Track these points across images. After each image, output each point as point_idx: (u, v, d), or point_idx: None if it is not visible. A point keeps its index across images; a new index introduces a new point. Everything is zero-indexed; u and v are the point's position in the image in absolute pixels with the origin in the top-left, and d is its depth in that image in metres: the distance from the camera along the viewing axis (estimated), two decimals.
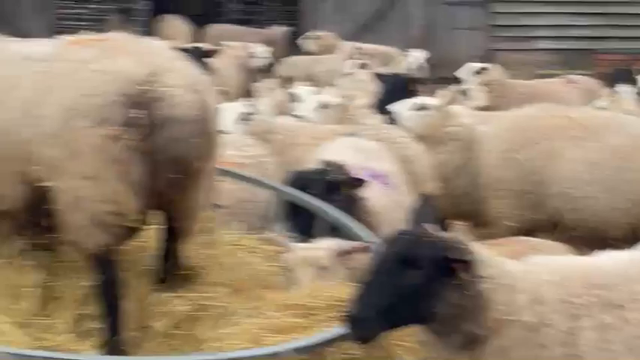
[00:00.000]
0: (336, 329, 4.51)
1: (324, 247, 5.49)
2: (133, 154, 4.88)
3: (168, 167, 4.95)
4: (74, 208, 4.95)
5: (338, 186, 6.27)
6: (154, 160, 4.92)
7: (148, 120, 4.88)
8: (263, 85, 14.05)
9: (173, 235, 5.35)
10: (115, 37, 5.40)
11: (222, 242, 5.79)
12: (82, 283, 5.17)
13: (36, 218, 5.23)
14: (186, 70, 5.18)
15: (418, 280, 4.04)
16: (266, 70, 16.49)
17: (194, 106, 4.97)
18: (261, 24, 22.58)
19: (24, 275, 5.20)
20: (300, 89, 11.44)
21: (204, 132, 5.08)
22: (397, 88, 11.56)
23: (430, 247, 4.08)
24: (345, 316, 4.09)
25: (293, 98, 11.02)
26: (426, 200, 7.51)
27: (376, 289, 4.05)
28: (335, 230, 5.91)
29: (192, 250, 5.51)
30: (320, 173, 6.41)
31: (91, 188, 4.89)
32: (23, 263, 5.26)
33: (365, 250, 5.33)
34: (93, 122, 4.86)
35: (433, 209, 7.57)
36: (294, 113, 10.22)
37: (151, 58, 5.11)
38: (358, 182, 6.36)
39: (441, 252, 4.05)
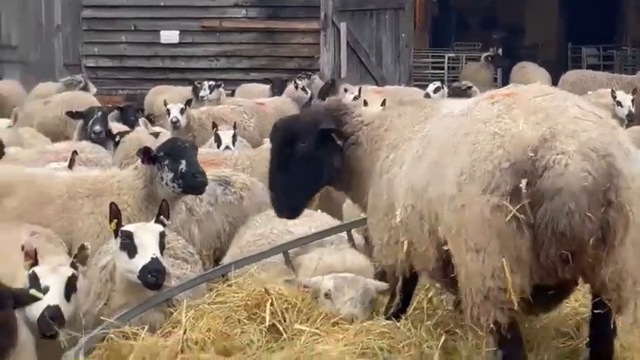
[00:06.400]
0: None
1: None
2: (517, 227, 4.57)
3: (555, 242, 4.52)
4: (465, 280, 4.79)
5: None
6: (539, 233, 4.55)
7: (536, 189, 4.54)
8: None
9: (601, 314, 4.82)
10: (525, 91, 5.06)
11: None
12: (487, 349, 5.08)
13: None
14: (590, 132, 4.65)
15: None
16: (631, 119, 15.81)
17: (592, 174, 4.50)
18: (619, 69, 21.89)
19: (434, 337, 5.28)
20: None
21: (605, 203, 4.55)
22: None
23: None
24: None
25: None
26: None
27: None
28: None
29: None
30: None
31: (476, 262, 4.68)
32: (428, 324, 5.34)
33: None
34: (482, 189, 4.63)
35: None
36: None
37: (553, 118, 4.69)
38: None
39: None
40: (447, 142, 4.98)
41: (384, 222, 5.49)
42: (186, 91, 16.95)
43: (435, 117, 5.45)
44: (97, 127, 11.32)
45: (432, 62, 24.65)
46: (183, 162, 7.29)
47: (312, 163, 5.69)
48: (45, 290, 5.14)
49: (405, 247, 5.26)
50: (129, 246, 5.96)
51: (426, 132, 5.35)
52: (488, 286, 4.66)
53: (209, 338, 5.62)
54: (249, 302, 6.03)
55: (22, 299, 4.81)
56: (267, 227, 7.17)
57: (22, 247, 5.71)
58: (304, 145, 5.70)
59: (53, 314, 5.30)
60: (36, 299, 4.93)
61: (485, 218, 4.61)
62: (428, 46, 26.14)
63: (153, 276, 5.84)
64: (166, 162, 7.32)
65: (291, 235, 6.88)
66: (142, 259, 5.89)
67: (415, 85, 19.42)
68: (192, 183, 7.30)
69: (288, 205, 5.98)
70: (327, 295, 5.95)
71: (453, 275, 4.91)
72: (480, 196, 4.64)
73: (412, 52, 23.15)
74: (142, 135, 11.14)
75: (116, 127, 11.96)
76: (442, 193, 4.86)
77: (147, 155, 7.39)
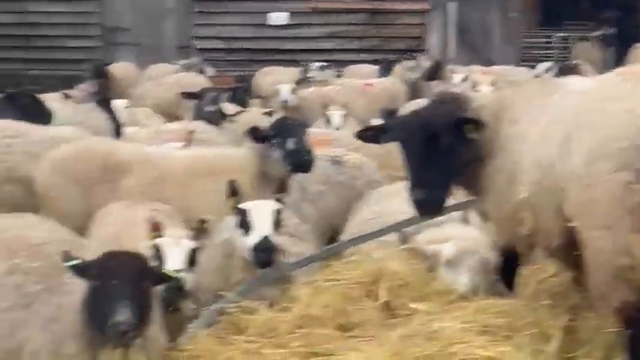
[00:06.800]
0: None
1: None
2: None
3: None
4: (593, 258, 4.73)
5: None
6: None
7: None
8: None
9: None
10: None
11: None
12: (609, 329, 5.00)
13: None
14: None
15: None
16: None
17: None
18: None
19: (554, 317, 5.22)
20: None
21: None
22: None
23: None
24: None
25: None
26: None
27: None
28: None
29: None
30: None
31: (605, 239, 4.62)
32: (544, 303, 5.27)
33: None
34: (614, 167, 4.59)
35: None
36: None
37: None
38: None
39: None
40: (575, 119, 4.93)
41: (505, 198, 5.44)
42: (294, 72, 17.08)
43: (556, 93, 5.37)
44: (211, 108, 11.51)
45: (542, 42, 24.21)
46: (291, 140, 7.36)
47: (452, 155, 5.58)
48: (179, 271, 5.27)
49: (528, 224, 5.22)
50: (244, 223, 6.08)
51: (550, 107, 5.27)
52: (618, 264, 4.61)
53: (327, 314, 5.69)
54: (364, 280, 6.07)
55: (161, 278, 4.95)
56: (384, 205, 7.19)
57: (148, 221, 5.87)
58: (442, 138, 5.57)
59: (177, 286, 5.44)
60: (172, 279, 5.06)
61: (617, 195, 4.58)
62: (537, 26, 25.66)
63: (263, 254, 5.94)
64: (275, 140, 7.41)
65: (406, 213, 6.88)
66: (254, 237, 6.00)
67: (524, 66, 19.11)
68: (300, 161, 7.37)
69: (434, 203, 5.68)
70: (448, 263, 5.95)
71: (576, 253, 4.86)
72: (611, 173, 4.60)
73: (521, 32, 22.81)
74: (255, 114, 11.31)
75: (227, 107, 12.14)
76: (570, 170, 4.82)
77: (256, 134, 7.49)
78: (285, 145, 7.36)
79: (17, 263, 5.09)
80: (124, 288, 4.57)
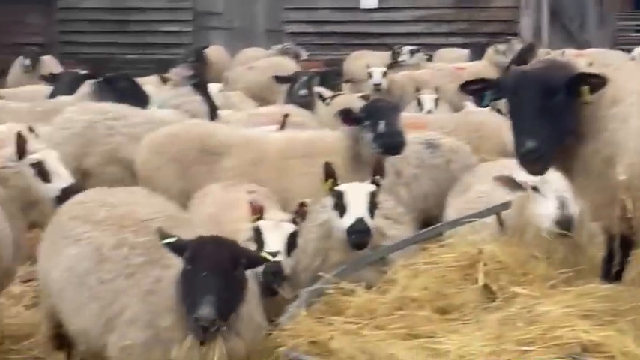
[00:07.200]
0: None
1: None
2: None
3: None
4: None
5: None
6: None
7: None
8: None
9: None
10: None
11: None
12: None
13: None
14: None
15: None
16: None
17: None
18: None
19: None
20: None
21: None
22: None
23: None
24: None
25: None
26: None
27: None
28: None
29: None
30: None
31: None
32: None
33: None
34: None
35: None
36: None
37: None
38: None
39: None
40: None
41: (602, 181, 5.36)
42: (385, 56, 17.04)
43: None
44: (304, 91, 11.56)
45: (638, 25, 23.67)
46: (382, 122, 7.35)
47: (564, 115, 5.43)
48: (274, 254, 5.32)
49: (628, 206, 5.13)
50: (340, 205, 6.11)
51: None
52: None
53: (426, 296, 5.70)
54: (462, 262, 6.06)
55: (255, 261, 5.00)
56: (486, 187, 7.15)
57: (250, 204, 5.94)
58: (559, 94, 5.41)
59: (275, 269, 5.51)
60: (267, 261, 5.11)
61: None
62: (633, 8, 25.12)
63: (357, 236, 5.97)
64: (367, 123, 7.41)
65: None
66: (348, 219, 6.03)
67: (619, 50, 18.72)
68: (391, 143, 7.35)
69: (543, 155, 5.42)
70: (535, 189, 5.88)
71: None
72: None
73: (615, 14, 22.36)
74: (350, 97, 11.33)
75: (318, 91, 12.18)
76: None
77: (348, 116, 7.51)
78: (377, 128, 7.36)
79: (125, 237, 5.27)
80: (212, 281, 4.59)
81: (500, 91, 5.70)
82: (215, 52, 18.61)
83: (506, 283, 5.78)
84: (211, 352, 4.63)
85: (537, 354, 4.82)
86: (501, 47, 16.67)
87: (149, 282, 5.00)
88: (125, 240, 5.25)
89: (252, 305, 5.02)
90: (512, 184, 6.30)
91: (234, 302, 4.73)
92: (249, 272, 5.09)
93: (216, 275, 4.61)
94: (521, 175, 6.00)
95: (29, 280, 8.25)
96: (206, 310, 4.49)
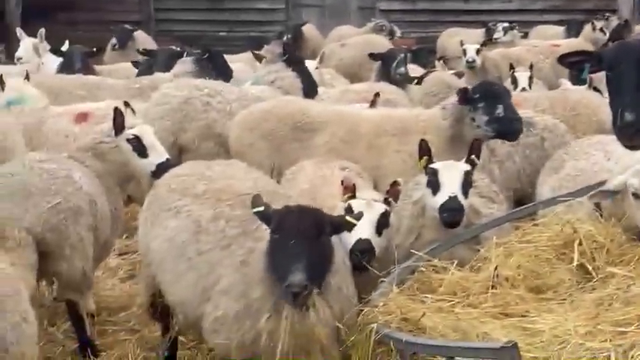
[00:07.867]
0: None
1: None
2: None
3: None
4: None
5: None
6: None
7: None
8: None
9: None
10: None
11: None
12: None
13: None
14: None
15: None
16: None
17: None
18: None
19: None
20: None
21: None
22: None
23: None
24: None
25: None
26: None
27: None
28: None
29: None
30: None
31: None
32: None
33: None
34: None
35: None
36: None
37: None
38: None
39: None
40: None
41: None
42: (479, 33, 16.84)
43: None
44: (402, 69, 11.49)
45: None
46: (501, 106, 7.29)
47: None
48: (358, 217, 5.31)
49: None
50: (433, 183, 6.08)
51: None
52: None
53: (519, 275, 5.64)
54: (556, 242, 5.96)
55: (340, 226, 5.04)
56: (582, 163, 7.02)
57: (342, 182, 5.96)
58: None
59: (363, 247, 5.52)
60: (352, 225, 5.12)
61: None
62: None
63: (450, 214, 5.93)
64: (481, 104, 7.33)
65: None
66: (441, 197, 5.99)
67: None
68: (509, 128, 7.31)
69: None
70: (635, 196, 5.78)
71: None
72: None
73: None
74: (445, 75, 11.24)
75: (410, 69, 12.11)
76: None
77: (464, 95, 7.43)
78: (495, 111, 7.29)
79: (222, 211, 5.39)
80: (299, 248, 4.65)
81: (600, 64, 5.60)
82: (309, 29, 18.64)
83: (603, 264, 5.67)
84: (306, 318, 4.71)
85: (634, 335, 4.72)
86: (599, 24, 16.35)
87: (243, 253, 5.09)
88: (222, 213, 5.36)
89: (341, 277, 5.06)
90: (608, 195, 6.16)
91: (323, 268, 4.79)
92: (339, 245, 5.13)
93: (303, 242, 4.68)
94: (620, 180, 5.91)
95: (125, 254, 8.45)
96: (298, 277, 4.54)
